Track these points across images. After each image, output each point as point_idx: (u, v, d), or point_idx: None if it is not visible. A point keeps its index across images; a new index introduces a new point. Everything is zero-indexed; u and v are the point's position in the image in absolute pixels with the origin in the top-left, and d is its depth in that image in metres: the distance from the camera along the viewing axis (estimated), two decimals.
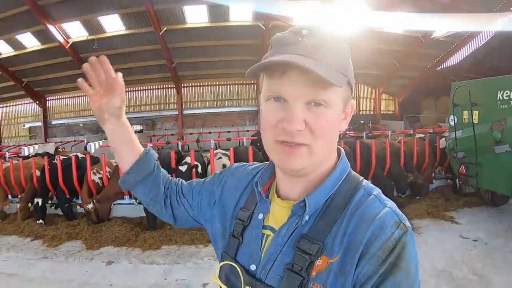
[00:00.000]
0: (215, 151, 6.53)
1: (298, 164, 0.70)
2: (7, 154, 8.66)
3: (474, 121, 5.29)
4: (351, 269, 0.65)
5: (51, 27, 14.18)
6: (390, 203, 0.71)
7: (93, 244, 5.11)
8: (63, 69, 17.20)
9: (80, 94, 20.31)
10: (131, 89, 20.07)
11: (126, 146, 1.01)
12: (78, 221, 5.94)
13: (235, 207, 0.87)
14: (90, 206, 5.69)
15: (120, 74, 0.93)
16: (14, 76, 17.69)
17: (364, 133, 9.29)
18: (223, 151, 7.02)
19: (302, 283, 0.68)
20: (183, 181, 1.08)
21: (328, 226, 0.71)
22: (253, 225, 0.80)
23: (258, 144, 8.46)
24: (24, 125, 21.01)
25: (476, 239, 4.80)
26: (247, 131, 17.55)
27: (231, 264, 0.79)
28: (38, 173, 6.32)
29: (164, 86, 20.04)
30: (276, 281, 0.72)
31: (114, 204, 6.08)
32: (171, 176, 1.10)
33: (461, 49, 17.75)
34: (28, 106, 20.77)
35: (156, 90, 20.30)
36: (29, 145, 13.86)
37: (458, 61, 18.28)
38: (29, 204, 6.05)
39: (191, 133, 18.22)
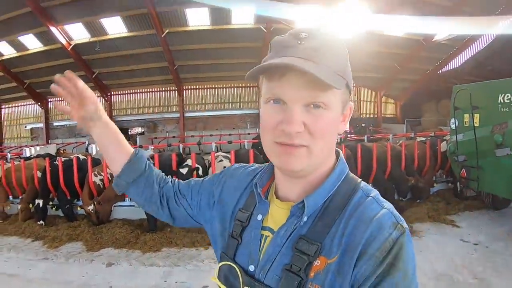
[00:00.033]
0: (216, 154, 6.54)
1: (297, 165, 0.71)
2: (9, 155, 8.66)
3: (475, 124, 5.29)
4: (349, 270, 0.66)
5: (53, 29, 14.29)
6: (388, 205, 0.72)
7: (94, 245, 5.11)
8: (65, 71, 17.25)
9: None
10: (133, 91, 20.17)
11: (115, 147, 1.01)
12: (78, 222, 5.95)
13: (234, 208, 0.88)
14: (90, 207, 5.69)
15: (82, 83, 0.95)
16: (16, 77, 17.80)
17: (366, 136, 9.27)
18: (224, 154, 7.02)
19: (300, 284, 0.69)
20: (180, 181, 1.07)
21: (327, 227, 0.71)
22: (252, 226, 0.81)
23: (259, 147, 8.45)
24: (26, 126, 21.10)
25: (477, 242, 4.78)
26: (249, 134, 17.56)
27: (230, 265, 0.79)
28: (39, 174, 6.34)
29: (166, 89, 20.13)
30: (275, 282, 0.72)
31: (114, 206, 6.09)
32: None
33: (463, 52, 17.78)
34: (30, 108, 20.89)
35: (158, 92, 20.39)
36: (31, 146, 13.88)
37: (459, 64, 18.30)
38: (30, 205, 6.07)
39: (192, 136, 18.23)
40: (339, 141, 7.82)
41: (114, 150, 1.01)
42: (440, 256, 4.39)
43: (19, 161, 7.63)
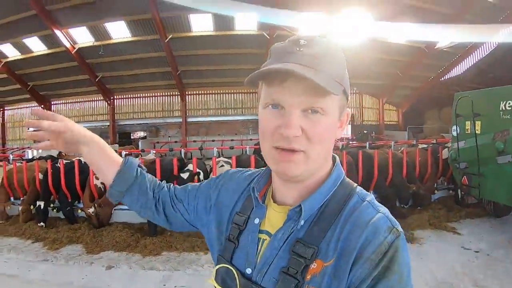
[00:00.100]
0: (217, 159, 6.55)
1: (295, 171, 0.72)
2: (11, 157, 8.70)
3: (477, 132, 5.28)
4: (345, 273, 0.67)
5: (58, 32, 14.41)
6: (383, 209, 0.73)
7: (94, 248, 5.11)
8: (69, 74, 17.41)
9: (84, 100, 20.53)
10: (136, 96, 20.24)
11: (104, 161, 1.00)
12: (79, 225, 5.95)
13: (231, 211, 0.89)
14: (91, 210, 5.70)
15: (46, 123, 0.89)
16: (20, 79, 17.93)
17: (367, 143, 9.26)
18: (226, 159, 7.03)
19: (297, 286, 0.70)
20: (177, 186, 1.07)
21: (323, 231, 0.72)
22: (249, 230, 0.82)
23: (261, 153, 8.45)
24: (28, 129, 21.11)
25: (478, 250, 4.76)
26: (250, 139, 17.55)
27: (227, 267, 0.80)
28: (41, 176, 6.36)
29: (169, 94, 20.20)
30: (272, 284, 0.73)
31: (115, 209, 6.08)
32: (173, 183, 1.11)
33: (465, 60, 17.79)
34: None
35: (161, 97, 20.48)
36: (33, 148, 13.90)
37: (461, 71, 18.31)
38: (31, 207, 6.08)
39: (194, 141, 18.24)
40: (341, 147, 7.83)
41: (103, 163, 1.01)
42: (440, 263, 4.37)
43: (21, 162, 7.67)
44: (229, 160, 6.63)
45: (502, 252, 4.66)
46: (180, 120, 20.04)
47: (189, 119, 20.13)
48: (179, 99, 19.97)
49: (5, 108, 21.72)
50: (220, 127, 20.25)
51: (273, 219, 0.80)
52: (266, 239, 0.79)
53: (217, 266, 0.83)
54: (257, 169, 0.96)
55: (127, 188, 1.00)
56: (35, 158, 9.08)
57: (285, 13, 11.45)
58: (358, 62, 15.46)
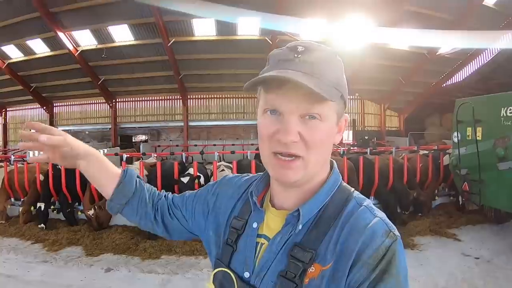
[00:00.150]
0: (218, 163, 6.54)
1: (293, 176, 0.73)
2: (12, 157, 8.70)
3: (478, 138, 5.27)
4: (343, 277, 0.67)
5: (61, 35, 14.49)
6: (380, 213, 0.74)
7: (93, 250, 5.11)
8: (71, 77, 17.48)
9: (86, 102, 20.57)
10: (138, 99, 20.27)
11: (103, 175, 1.00)
12: (79, 227, 5.96)
13: (229, 215, 0.89)
14: (91, 212, 5.70)
15: (43, 136, 0.86)
16: (23, 80, 17.98)
17: (368, 149, 9.23)
18: (226, 164, 7.03)
19: None
20: (175, 194, 1.08)
21: (321, 235, 0.73)
22: (247, 234, 0.82)
23: None
24: (30, 130, 21.16)
25: (479, 256, 4.74)
26: (252, 144, 17.50)
27: (225, 271, 0.81)
28: (42, 177, 6.37)
29: (171, 97, 20.21)
30: None
31: None
32: (174, 186, 1.11)
33: (467, 66, 17.79)
34: (35, 111, 21.05)
35: (163, 101, 20.48)
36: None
37: (463, 77, 18.30)
38: (32, 208, 6.08)
39: (195, 145, 18.18)
40: (342, 153, 7.81)
41: (102, 177, 1.00)
42: (441, 270, 4.35)
43: (22, 163, 7.68)
44: (230, 165, 6.63)
45: (503, 258, 4.64)
46: (182, 124, 20.05)
47: (191, 123, 20.14)
48: (181, 103, 20.00)
49: (7, 109, 21.76)
50: (222, 131, 20.26)
51: (272, 223, 0.80)
52: (264, 243, 0.79)
53: (215, 270, 0.84)
54: (255, 174, 0.97)
55: (126, 201, 1.00)
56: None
57: (287, 19, 11.50)
58: (360, 68, 15.51)
